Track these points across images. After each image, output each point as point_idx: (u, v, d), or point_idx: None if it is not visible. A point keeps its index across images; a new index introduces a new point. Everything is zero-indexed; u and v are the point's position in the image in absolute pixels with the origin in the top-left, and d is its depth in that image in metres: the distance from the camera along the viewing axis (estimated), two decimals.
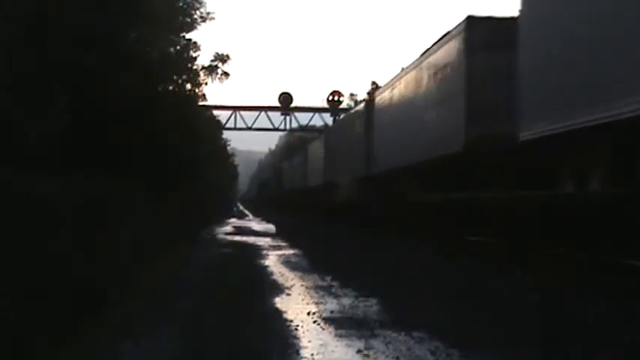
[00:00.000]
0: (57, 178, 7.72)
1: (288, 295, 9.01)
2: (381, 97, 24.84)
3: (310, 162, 43.94)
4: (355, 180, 27.73)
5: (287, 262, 13.51)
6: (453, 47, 16.02)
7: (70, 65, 9.35)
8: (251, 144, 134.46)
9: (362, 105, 29.52)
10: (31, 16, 8.89)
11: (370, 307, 7.97)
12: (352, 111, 33.11)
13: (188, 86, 19.13)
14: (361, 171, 26.36)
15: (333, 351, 5.74)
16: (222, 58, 19.07)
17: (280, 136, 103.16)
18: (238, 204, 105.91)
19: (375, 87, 53.74)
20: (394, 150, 21.67)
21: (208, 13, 17.64)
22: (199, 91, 20.49)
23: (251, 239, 21.37)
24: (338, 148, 32.84)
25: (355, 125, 28.75)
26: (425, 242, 16.88)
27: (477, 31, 14.85)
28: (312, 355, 5.57)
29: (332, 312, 7.58)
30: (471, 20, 15.17)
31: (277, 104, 52.06)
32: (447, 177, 16.76)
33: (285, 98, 51.76)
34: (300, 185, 47.92)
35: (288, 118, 53.25)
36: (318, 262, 13.49)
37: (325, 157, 36.79)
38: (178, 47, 17.42)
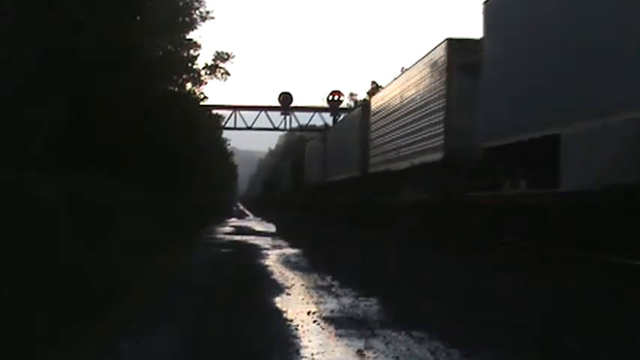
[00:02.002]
0: (57, 178, 7.73)
1: (288, 294, 9.00)
2: None
3: (359, 131, 28.08)
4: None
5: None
6: None
7: (69, 64, 9.36)
8: (251, 144, 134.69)
9: None
10: (31, 15, 8.90)
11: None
12: None
13: (188, 86, 19.20)
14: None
15: (333, 351, 5.74)
16: (224, 57, 19.11)
17: (280, 136, 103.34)
18: (238, 204, 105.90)
19: (375, 87, 53.69)
20: None
21: (208, 12, 17.72)
22: (199, 90, 20.55)
23: (251, 238, 21.36)
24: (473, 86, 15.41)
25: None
26: None
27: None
28: (312, 354, 5.57)
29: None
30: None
31: (277, 104, 52.11)
32: None
33: (285, 98, 51.77)
34: (346, 173, 30.90)
35: (288, 117, 53.34)
36: None
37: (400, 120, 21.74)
38: (179, 47, 17.47)
